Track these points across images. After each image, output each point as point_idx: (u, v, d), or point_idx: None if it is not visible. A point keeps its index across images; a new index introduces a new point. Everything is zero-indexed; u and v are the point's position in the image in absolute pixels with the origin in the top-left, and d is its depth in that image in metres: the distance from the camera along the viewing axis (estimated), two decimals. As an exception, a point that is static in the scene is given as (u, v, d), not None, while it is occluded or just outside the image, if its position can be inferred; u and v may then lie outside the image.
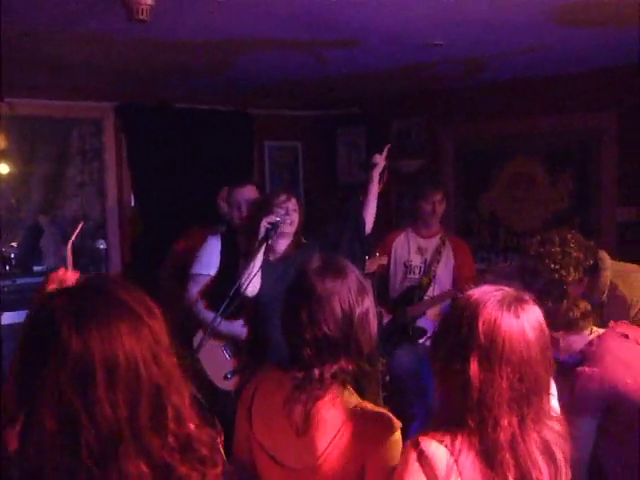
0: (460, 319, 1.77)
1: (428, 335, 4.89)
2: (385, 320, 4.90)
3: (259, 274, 3.92)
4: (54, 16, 3.55)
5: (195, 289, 4.23)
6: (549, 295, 3.03)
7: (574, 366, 2.92)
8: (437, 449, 1.72)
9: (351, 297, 2.03)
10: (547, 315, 1.85)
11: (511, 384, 1.72)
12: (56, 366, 1.25)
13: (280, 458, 2.03)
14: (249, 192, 4.38)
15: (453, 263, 5.01)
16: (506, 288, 1.82)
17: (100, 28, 3.80)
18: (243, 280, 3.84)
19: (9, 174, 5.64)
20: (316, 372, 1.97)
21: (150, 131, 6.21)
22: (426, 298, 4.97)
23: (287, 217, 4.07)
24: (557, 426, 1.81)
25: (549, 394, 1.84)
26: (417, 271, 5.04)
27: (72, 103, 5.85)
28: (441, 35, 4.22)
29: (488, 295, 1.78)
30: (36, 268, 5.27)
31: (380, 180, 4.60)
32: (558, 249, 3.42)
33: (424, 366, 4.80)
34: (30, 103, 5.64)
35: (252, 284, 3.90)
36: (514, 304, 1.77)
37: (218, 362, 4.13)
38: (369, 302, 2.09)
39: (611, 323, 3.11)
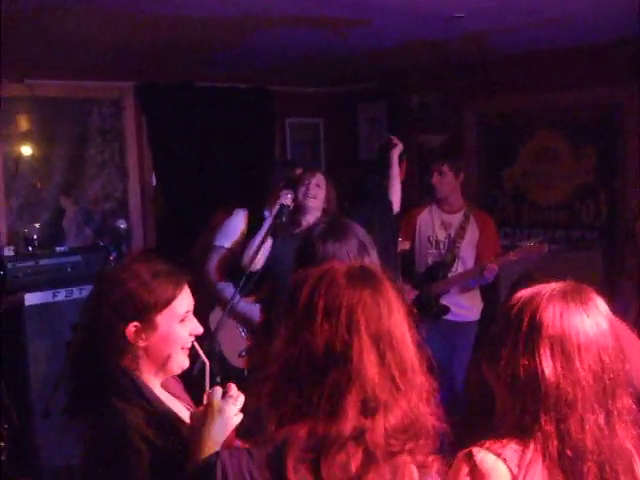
0: (521, 314, 1.66)
1: (451, 312, 4.88)
2: (410, 296, 4.87)
3: (263, 250, 3.93)
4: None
5: (215, 262, 4.25)
6: None
7: None
8: (496, 465, 1.57)
9: (349, 258, 2.11)
10: None
11: (595, 375, 1.58)
12: None
13: None
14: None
15: (477, 238, 4.96)
16: (562, 282, 1.72)
17: (117, 3, 3.77)
18: (245, 255, 3.87)
19: (31, 156, 5.65)
20: None
21: (170, 110, 6.19)
22: (450, 275, 4.93)
23: (309, 191, 4.09)
24: None
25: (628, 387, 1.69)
26: (442, 246, 5.00)
27: (91, 83, 5.83)
28: (462, 7, 4.15)
29: (547, 288, 1.68)
30: (58, 249, 5.26)
31: (400, 163, 4.58)
32: None
33: (452, 352, 4.79)
34: (50, 84, 5.64)
35: (254, 260, 3.91)
36: (577, 294, 1.67)
37: (234, 339, 4.15)
38: (370, 261, 2.17)
39: None
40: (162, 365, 1.99)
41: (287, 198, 4.03)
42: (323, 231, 2.16)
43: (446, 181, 4.96)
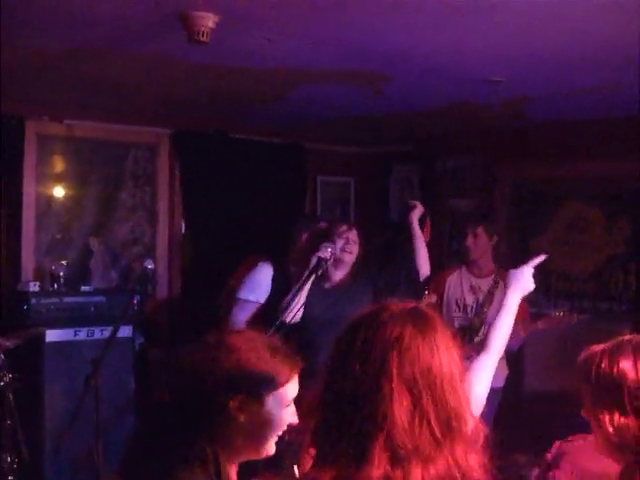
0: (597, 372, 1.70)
1: None
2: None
3: (295, 304, 3.89)
4: (112, 35, 3.59)
5: (240, 315, 4.20)
6: None
7: None
8: None
9: None
10: None
11: None
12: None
13: None
14: None
15: None
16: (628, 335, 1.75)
17: (159, 50, 3.84)
18: (286, 310, 3.81)
19: (64, 195, 5.70)
20: None
21: (204, 159, 6.24)
22: (476, 340, 4.86)
23: (347, 246, 4.09)
24: None
25: None
26: (469, 310, 4.94)
27: (129, 127, 5.92)
28: (501, 71, 4.18)
29: (616, 344, 1.71)
30: (84, 288, 5.28)
31: (421, 226, 4.58)
32: None
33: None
34: (88, 126, 5.73)
35: (295, 315, 3.87)
36: None
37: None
38: None
39: None
40: (256, 448, 1.84)
41: (327, 252, 4.00)
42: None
43: (480, 243, 4.95)
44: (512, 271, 2.60)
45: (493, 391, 5.08)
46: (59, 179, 5.69)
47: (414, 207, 4.60)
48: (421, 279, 4.48)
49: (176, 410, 1.78)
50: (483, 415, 5.02)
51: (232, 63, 4.09)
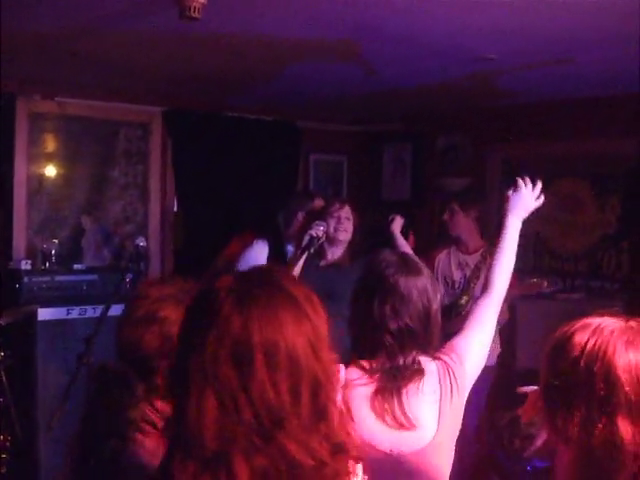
0: (589, 373, 1.41)
1: None
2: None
3: None
4: (104, 12, 3.57)
5: None
6: None
7: None
8: None
9: (429, 293, 2.19)
10: None
11: None
12: (215, 342, 1.24)
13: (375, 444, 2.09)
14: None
15: None
16: (619, 321, 1.47)
17: (151, 27, 3.81)
18: None
19: (56, 173, 5.68)
20: (401, 360, 2.13)
21: (196, 138, 6.23)
22: (463, 314, 4.90)
23: (340, 225, 4.08)
24: None
25: None
26: (457, 286, 4.98)
27: (121, 105, 5.88)
28: (493, 49, 4.16)
29: (610, 335, 1.43)
30: (76, 266, 5.27)
31: (405, 236, 4.61)
32: None
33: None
34: (79, 104, 5.69)
35: None
36: None
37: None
38: (440, 298, 2.27)
39: None
40: None
41: (319, 230, 3.99)
42: (399, 266, 2.20)
43: (456, 219, 5.00)
44: (510, 194, 2.52)
45: (486, 369, 5.14)
46: (50, 157, 5.66)
47: (393, 220, 4.62)
48: None
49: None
50: (476, 393, 5.08)
51: (224, 40, 4.07)
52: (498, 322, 4.85)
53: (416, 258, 2.47)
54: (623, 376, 1.38)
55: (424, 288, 2.19)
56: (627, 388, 1.38)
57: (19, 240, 5.43)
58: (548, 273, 5.83)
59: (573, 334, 1.47)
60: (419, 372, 2.15)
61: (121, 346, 1.91)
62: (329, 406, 1.30)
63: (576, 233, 5.75)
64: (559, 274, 5.73)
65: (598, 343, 1.43)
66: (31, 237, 5.49)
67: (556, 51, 4.20)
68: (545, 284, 4.70)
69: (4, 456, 3.90)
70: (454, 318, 4.88)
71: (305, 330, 1.29)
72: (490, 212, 6.09)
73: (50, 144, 5.66)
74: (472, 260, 4.98)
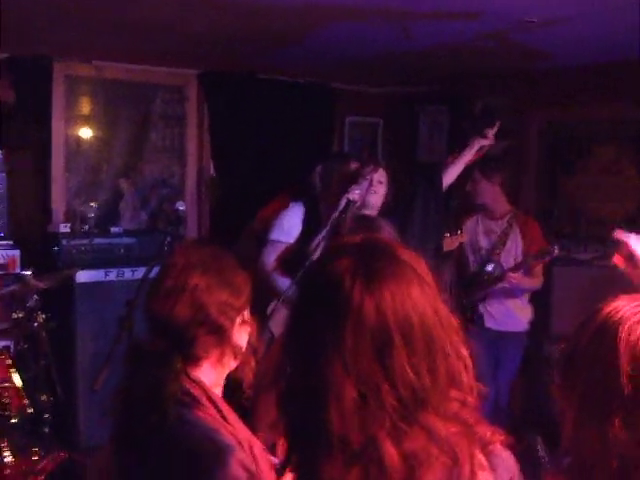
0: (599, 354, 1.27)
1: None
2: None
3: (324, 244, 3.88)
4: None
5: (272, 256, 4.20)
6: None
7: None
8: None
9: None
10: None
11: None
12: (353, 335, 1.19)
13: None
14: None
15: (521, 245, 4.89)
16: None
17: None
18: (316, 251, 3.81)
19: (92, 137, 5.72)
20: None
21: (232, 100, 6.22)
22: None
23: (371, 187, 4.06)
24: None
25: None
26: (483, 253, 4.98)
27: (157, 69, 5.90)
28: (534, 11, 4.08)
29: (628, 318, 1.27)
30: (113, 229, 5.34)
31: (477, 152, 4.46)
32: None
33: (497, 362, 4.74)
34: (116, 67, 5.72)
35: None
36: None
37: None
38: None
39: None
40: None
41: (355, 194, 3.97)
42: (352, 227, 2.18)
43: (479, 188, 4.95)
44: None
45: (518, 335, 5.14)
46: (87, 121, 5.70)
47: (486, 136, 4.36)
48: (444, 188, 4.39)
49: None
50: (509, 359, 5.09)
51: (258, 1, 4.03)
52: (529, 288, 4.89)
53: None
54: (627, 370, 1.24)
55: None
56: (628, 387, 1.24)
57: (57, 204, 5.50)
58: (587, 239, 5.77)
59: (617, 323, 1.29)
60: None
61: (153, 319, 1.88)
62: (459, 368, 1.27)
63: (616, 198, 5.66)
64: (597, 240, 5.66)
65: (614, 321, 1.29)
66: (69, 200, 5.55)
67: (596, 18, 4.11)
68: (556, 251, 4.66)
69: (47, 416, 3.98)
70: (478, 286, 4.88)
71: (428, 297, 1.26)
72: (529, 174, 6.04)
73: (87, 108, 5.69)
74: (498, 226, 4.96)
